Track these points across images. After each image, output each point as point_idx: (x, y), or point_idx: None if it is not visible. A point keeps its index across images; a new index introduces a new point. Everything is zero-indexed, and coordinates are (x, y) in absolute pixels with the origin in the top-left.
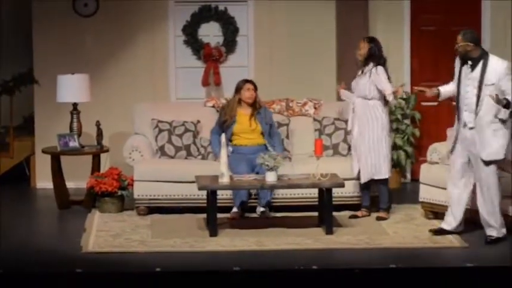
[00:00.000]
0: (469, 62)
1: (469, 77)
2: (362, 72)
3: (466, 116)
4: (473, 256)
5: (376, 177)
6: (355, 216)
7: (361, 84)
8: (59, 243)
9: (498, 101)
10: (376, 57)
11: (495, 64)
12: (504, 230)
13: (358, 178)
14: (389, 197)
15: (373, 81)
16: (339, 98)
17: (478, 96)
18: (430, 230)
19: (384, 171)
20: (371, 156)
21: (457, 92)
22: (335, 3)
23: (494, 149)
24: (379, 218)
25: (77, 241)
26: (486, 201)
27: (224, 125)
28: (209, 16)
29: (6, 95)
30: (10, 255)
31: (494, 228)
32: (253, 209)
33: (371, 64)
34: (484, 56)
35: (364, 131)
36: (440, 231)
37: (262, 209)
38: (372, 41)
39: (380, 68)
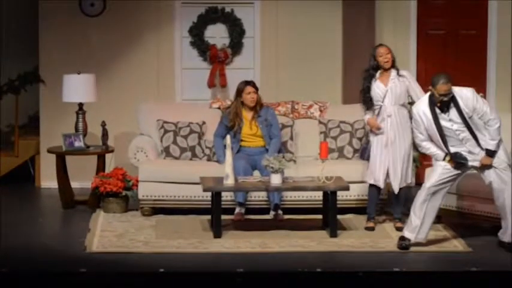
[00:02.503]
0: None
1: (450, 117)
2: (396, 76)
3: (469, 145)
4: (477, 260)
5: (402, 186)
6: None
7: (397, 91)
8: (63, 243)
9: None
10: (394, 63)
11: (460, 95)
12: None
13: (373, 185)
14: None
15: (407, 86)
16: (345, 101)
17: (471, 130)
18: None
19: (410, 177)
20: (401, 165)
21: (443, 141)
22: (341, 5)
23: (503, 156)
24: (398, 229)
25: (81, 241)
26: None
27: (232, 130)
28: (216, 18)
29: (12, 94)
30: (14, 254)
31: None
32: (258, 211)
33: (395, 70)
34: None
35: (397, 139)
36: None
37: (274, 212)
38: (385, 46)
39: (406, 72)
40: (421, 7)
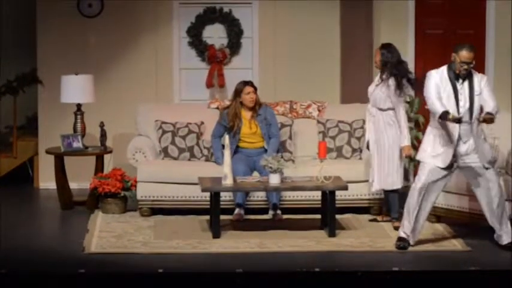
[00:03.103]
0: (461, 77)
1: (461, 91)
2: (381, 80)
3: (462, 129)
4: (476, 260)
5: (387, 188)
6: (375, 220)
7: (376, 95)
8: (62, 243)
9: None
10: (388, 65)
11: (477, 76)
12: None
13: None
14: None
15: (388, 95)
16: (343, 101)
17: (471, 109)
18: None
19: (395, 182)
20: (384, 165)
21: (457, 107)
22: (339, 5)
23: (489, 152)
24: (395, 228)
25: (80, 242)
26: (500, 204)
27: (232, 131)
28: (214, 18)
29: (10, 95)
30: (13, 255)
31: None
32: (257, 211)
33: (385, 73)
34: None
35: (379, 140)
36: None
37: (273, 212)
38: (384, 47)
39: (391, 81)
40: (419, 7)
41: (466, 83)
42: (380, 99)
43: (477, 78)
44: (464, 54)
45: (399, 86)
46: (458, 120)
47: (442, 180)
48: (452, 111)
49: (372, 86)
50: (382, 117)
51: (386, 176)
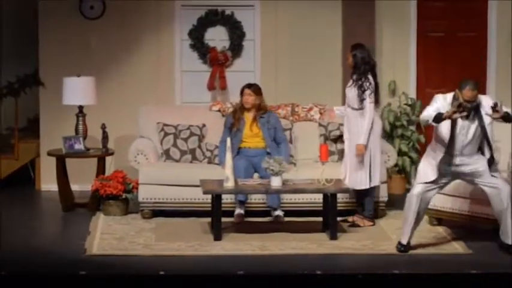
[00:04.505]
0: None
1: (464, 125)
2: (353, 81)
3: (463, 160)
4: (477, 262)
5: (356, 188)
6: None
7: (349, 95)
8: (63, 245)
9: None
10: (358, 66)
11: (485, 102)
12: None
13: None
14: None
15: (358, 94)
16: (345, 104)
17: (488, 142)
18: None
19: (362, 182)
20: (355, 165)
21: (450, 141)
22: (341, 8)
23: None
24: (353, 223)
25: (81, 244)
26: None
27: (232, 129)
28: (216, 20)
29: (11, 97)
30: (14, 257)
31: None
32: (259, 214)
33: (355, 75)
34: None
35: (351, 139)
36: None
37: (276, 213)
38: (355, 48)
39: (364, 81)
40: (420, 9)
41: (473, 116)
42: (353, 99)
43: (485, 106)
44: (467, 93)
45: (369, 87)
46: (459, 106)
47: (438, 187)
48: (445, 142)
49: (346, 88)
50: (354, 117)
51: (356, 175)
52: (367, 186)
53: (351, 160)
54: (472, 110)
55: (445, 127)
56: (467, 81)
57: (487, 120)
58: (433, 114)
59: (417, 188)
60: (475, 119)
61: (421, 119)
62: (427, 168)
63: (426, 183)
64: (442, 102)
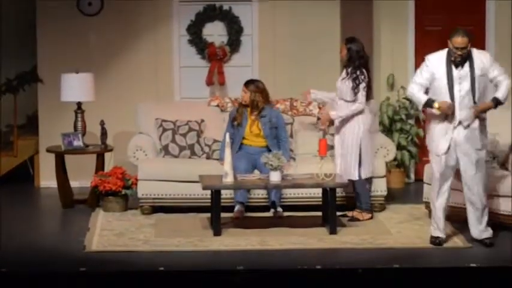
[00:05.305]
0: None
1: (460, 75)
2: (347, 74)
3: (462, 114)
4: (477, 256)
5: (348, 178)
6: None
7: (342, 88)
8: (63, 242)
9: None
10: (353, 60)
11: (479, 56)
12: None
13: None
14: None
15: (352, 87)
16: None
17: (473, 92)
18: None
19: (352, 173)
20: (345, 157)
21: (450, 92)
22: (339, 3)
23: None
24: (354, 219)
25: (81, 240)
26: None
27: (234, 123)
28: (214, 15)
29: (10, 94)
30: (13, 254)
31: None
32: (258, 209)
33: (350, 68)
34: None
35: (343, 131)
36: (440, 241)
37: (273, 210)
38: (350, 42)
39: (360, 73)
40: (418, 3)
41: (467, 67)
42: (346, 91)
43: (478, 59)
44: (456, 39)
45: (363, 80)
46: (448, 109)
47: (452, 168)
48: (443, 97)
49: (338, 80)
50: (346, 108)
51: (347, 167)
52: (356, 178)
53: (343, 152)
54: (465, 59)
55: (442, 82)
56: (457, 29)
57: (477, 71)
58: (423, 98)
59: (436, 167)
60: (469, 70)
61: (410, 96)
62: (435, 142)
63: (442, 155)
64: (430, 65)
